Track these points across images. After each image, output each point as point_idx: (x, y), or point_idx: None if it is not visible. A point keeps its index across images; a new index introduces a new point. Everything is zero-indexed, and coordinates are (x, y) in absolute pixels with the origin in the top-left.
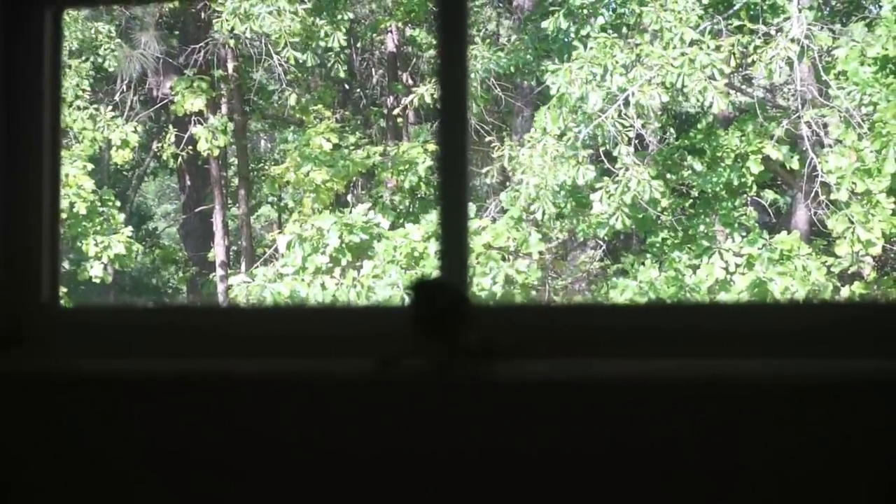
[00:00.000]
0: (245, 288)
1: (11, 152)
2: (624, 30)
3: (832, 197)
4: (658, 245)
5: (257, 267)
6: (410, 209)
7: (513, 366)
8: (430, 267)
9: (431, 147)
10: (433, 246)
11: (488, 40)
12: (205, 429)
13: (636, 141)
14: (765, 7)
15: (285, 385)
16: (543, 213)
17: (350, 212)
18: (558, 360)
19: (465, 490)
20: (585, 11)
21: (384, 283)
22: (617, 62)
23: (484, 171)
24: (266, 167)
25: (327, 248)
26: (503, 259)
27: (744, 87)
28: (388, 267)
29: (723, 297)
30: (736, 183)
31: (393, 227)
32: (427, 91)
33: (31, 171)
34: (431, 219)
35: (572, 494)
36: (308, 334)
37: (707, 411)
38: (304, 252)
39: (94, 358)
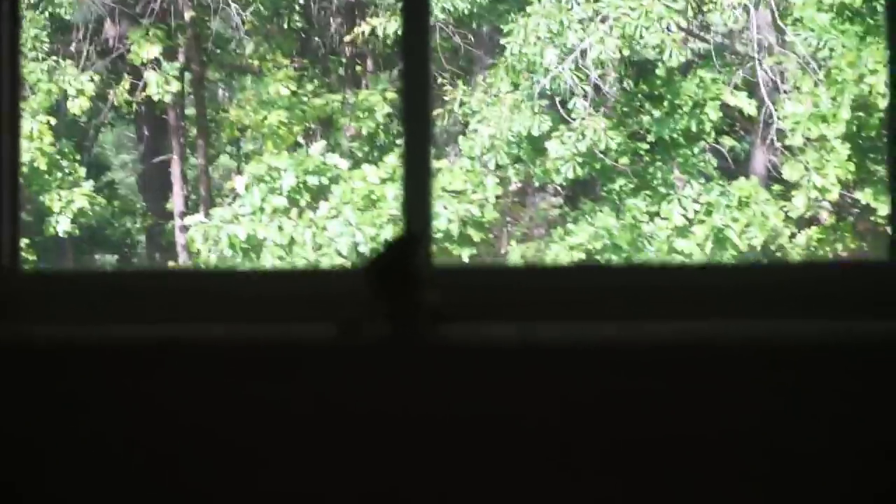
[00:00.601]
0: (202, 229)
1: None
2: None
3: (788, 143)
4: (616, 192)
5: (214, 208)
6: (369, 156)
7: (469, 329)
8: (388, 210)
9: (391, 95)
10: (391, 190)
11: None
12: (168, 393)
13: (593, 92)
14: None
15: (241, 350)
16: (497, 165)
17: (307, 152)
18: (515, 323)
19: (423, 454)
20: None
21: (340, 222)
22: (573, 17)
23: (440, 116)
24: (224, 115)
25: (283, 188)
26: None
27: (701, 33)
28: (345, 208)
29: (681, 244)
30: (694, 129)
31: (351, 170)
32: (380, 25)
33: None
34: (391, 162)
35: (525, 458)
36: (267, 297)
37: (659, 375)
38: (262, 193)
39: (55, 323)
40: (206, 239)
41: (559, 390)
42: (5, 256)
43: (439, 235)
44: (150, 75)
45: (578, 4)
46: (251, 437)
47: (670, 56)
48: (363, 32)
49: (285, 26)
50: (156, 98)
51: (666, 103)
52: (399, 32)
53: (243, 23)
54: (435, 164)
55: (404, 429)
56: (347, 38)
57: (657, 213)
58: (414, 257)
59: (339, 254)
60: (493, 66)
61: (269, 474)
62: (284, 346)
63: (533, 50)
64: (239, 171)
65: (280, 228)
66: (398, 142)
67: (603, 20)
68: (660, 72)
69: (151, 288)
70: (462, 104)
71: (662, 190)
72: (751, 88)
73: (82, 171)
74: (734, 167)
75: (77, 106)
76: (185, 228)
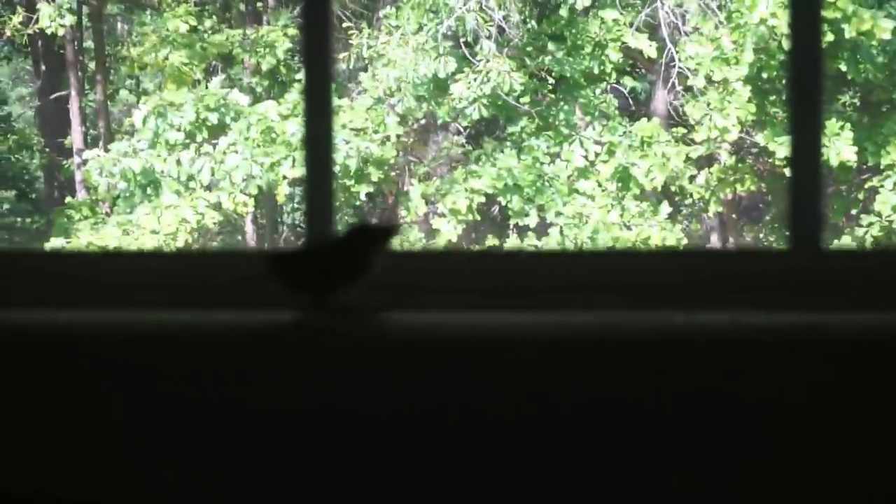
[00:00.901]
0: (98, 163)
1: None
2: None
3: (690, 84)
4: (518, 133)
5: (113, 143)
6: (271, 91)
7: (391, 318)
8: (287, 146)
9: (292, 31)
10: (291, 126)
11: None
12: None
13: (497, 32)
14: None
15: (142, 340)
16: (402, 104)
17: (206, 87)
18: (439, 312)
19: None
20: None
21: (238, 157)
22: None
23: (344, 59)
24: (123, 52)
25: (183, 121)
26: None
27: None
28: (245, 143)
29: (584, 185)
30: (596, 70)
31: (251, 106)
32: None
33: None
34: (292, 99)
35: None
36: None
37: (592, 367)
38: (159, 127)
39: None
40: (102, 172)
41: (495, 381)
42: None
43: (338, 170)
44: (44, 7)
45: None
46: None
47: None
48: None
49: None
50: (49, 31)
51: (568, 43)
52: None
53: None
54: (336, 101)
55: (327, 420)
56: None
57: (559, 155)
58: (372, 248)
59: (238, 188)
60: (397, 5)
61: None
62: (204, 333)
63: None
64: (138, 105)
65: (178, 163)
66: (299, 77)
67: None
68: (563, 12)
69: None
70: (369, 47)
71: (565, 131)
72: (652, 30)
73: None
74: (635, 108)
75: None
76: (83, 164)
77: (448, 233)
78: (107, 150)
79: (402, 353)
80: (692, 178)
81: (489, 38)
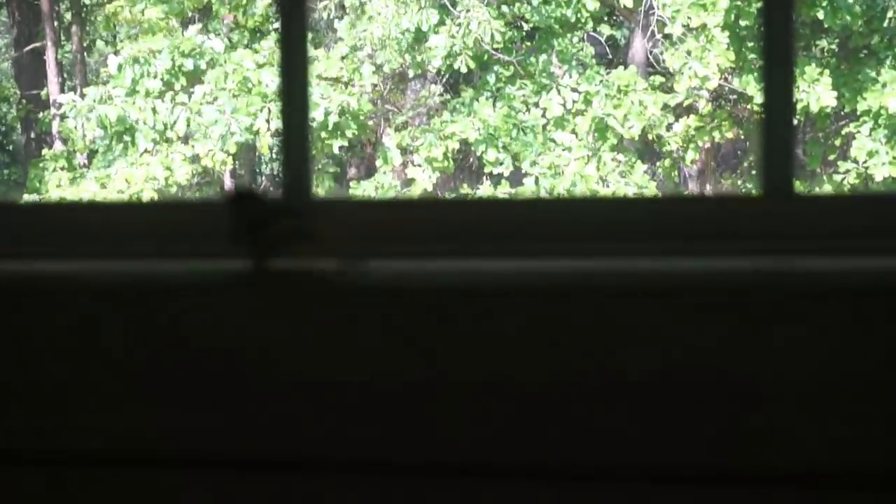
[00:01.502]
0: (73, 108)
1: None
2: None
3: (667, 31)
4: (494, 82)
5: (87, 88)
6: (249, 44)
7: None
8: (263, 97)
9: None
10: (266, 75)
11: None
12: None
13: None
14: None
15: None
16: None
17: (182, 34)
18: (396, 260)
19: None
20: None
21: (214, 108)
22: None
23: (322, 5)
24: (99, 3)
25: (158, 70)
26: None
27: None
28: (220, 93)
29: (560, 135)
30: (572, 19)
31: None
32: None
33: None
34: (267, 46)
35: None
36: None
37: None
38: (135, 74)
39: None
40: (78, 119)
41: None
42: None
43: (315, 125)
44: None
45: None
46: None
47: None
48: None
49: None
50: None
51: None
52: None
53: None
54: (312, 51)
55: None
56: None
57: (536, 104)
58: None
59: (217, 145)
60: None
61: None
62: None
63: None
64: (114, 54)
65: (154, 111)
66: (275, 26)
67: None
68: None
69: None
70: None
71: (542, 80)
72: None
73: None
74: (613, 56)
75: None
76: (59, 112)
77: (424, 182)
78: (82, 97)
79: (371, 301)
80: (669, 127)
81: None
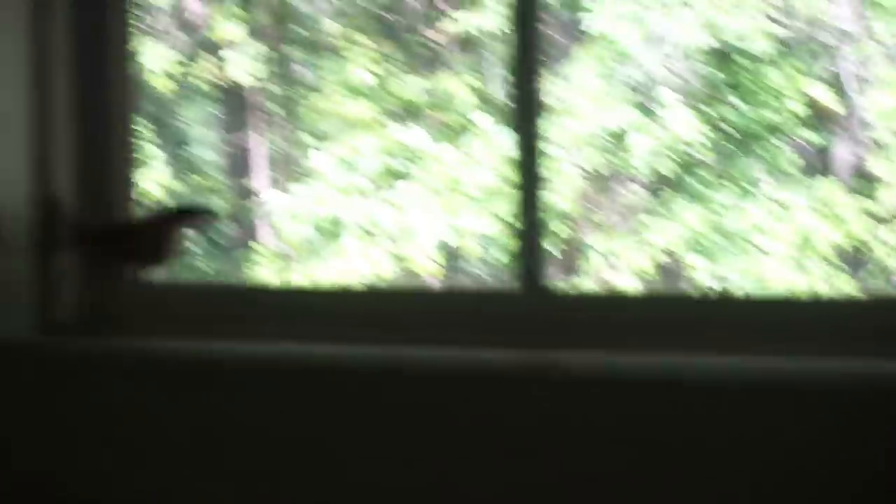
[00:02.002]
0: (282, 207)
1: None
2: None
3: (873, 136)
4: (696, 184)
5: (293, 184)
6: (453, 143)
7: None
8: (469, 193)
9: (473, 81)
10: (471, 173)
11: None
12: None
13: (678, 81)
14: None
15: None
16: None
17: (389, 134)
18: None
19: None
20: None
21: (419, 205)
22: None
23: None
24: (305, 95)
25: (365, 167)
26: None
27: (785, 20)
28: (426, 191)
29: (762, 241)
30: (776, 122)
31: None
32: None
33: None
34: (473, 144)
35: None
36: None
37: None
38: (342, 172)
39: (174, 338)
40: (284, 215)
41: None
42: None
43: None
44: (232, 55)
45: None
46: None
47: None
48: (450, 26)
49: (370, 9)
50: (237, 79)
51: (748, 94)
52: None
53: (329, 3)
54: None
55: None
56: (434, 32)
57: (738, 209)
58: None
59: (423, 246)
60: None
61: None
62: None
63: (616, 35)
64: (320, 151)
65: (359, 209)
66: (478, 127)
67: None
68: (743, 61)
69: (266, 303)
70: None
71: (745, 186)
72: (835, 79)
73: (157, 151)
74: (816, 162)
75: (161, 84)
76: (265, 206)
77: (625, 284)
78: (288, 193)
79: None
80: (876, 235)
81: (670, 87)
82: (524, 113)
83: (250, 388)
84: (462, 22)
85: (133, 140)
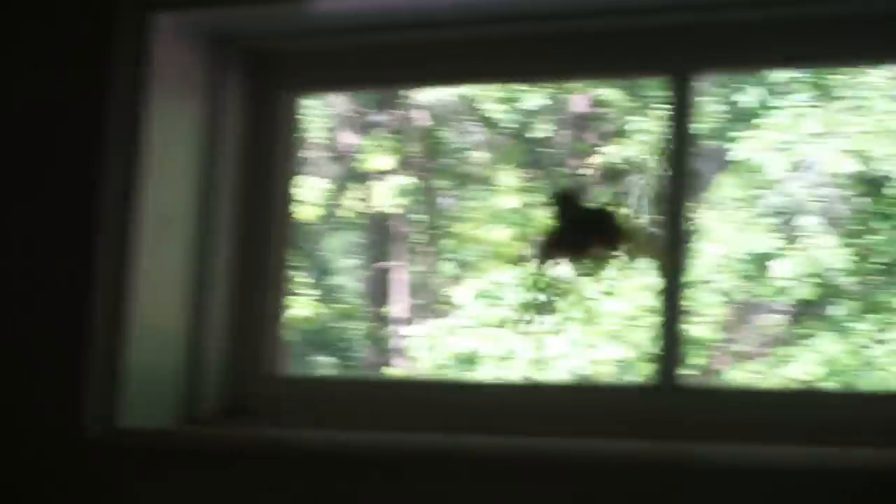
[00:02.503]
0: (422, 338)
1: (251, 229)
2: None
3: None
4: (840, 315)
5: (434, 318)
6: (592, 271)
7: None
8: (610, 325)
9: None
10: (613, 304)
11: None
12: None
13: (824, 208)
14: None
15: None
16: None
17: (530, 266)
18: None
19: None
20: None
21: (563, 339)
22: (807, 131)
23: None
24: (449, 225)
25: (506, 301)
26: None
27: None
28: (568, 324)
29: None
30: None
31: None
32: (616, 151)
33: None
34: (611, 275)
35: None
36: None
37: None
38: (483, 305)
39: (314, 428)
40: (426, 347)
41: None
42: (268, 361)
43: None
44: (380, 186)
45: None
46: None
47: None
48: (594, 164)
49: (517, 137)
50: (383, 210)
51: None
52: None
53: (479, 133)
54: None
55: None
56: (585, 165)
57: (882, 341)
58: None
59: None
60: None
61: None
62: None
63: (762, 162)
64: (461, 281)
65: (498, 341)
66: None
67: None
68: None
69: (396, 395)
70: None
71: (892, 317)
72: None
73: (306, 279)
74: None
75: (307, 213)
76: (404, 335)
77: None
78: (428, 327)
79: None
80: None
81: (815, 214)
82: (672, 241)
83: (384, 477)
84: (609, 154)
85: (287, 279)
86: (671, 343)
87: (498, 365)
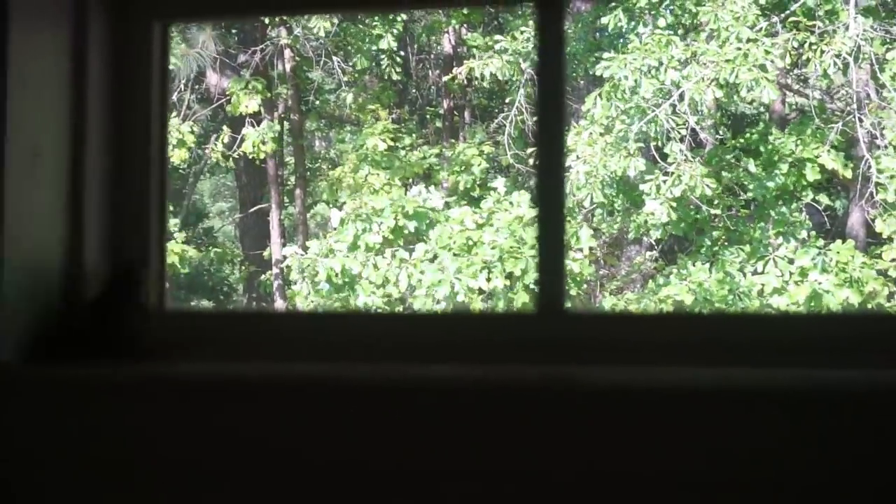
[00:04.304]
0: (297, 262)
1: (123, 166)
2: (681, 30)
3: (884, 198)
4: (710, 246)
5: (310, 241)
6: (469, 204)
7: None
8: (483, 255)
9: (487, 148)
10: (487, 235)
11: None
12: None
13: (689, 138)
14: (821, 13)
15: None
16: (592, 202)
17: (405, 194)
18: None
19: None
20: (645, 13)
21: (434, 266)
22: (672, 57)
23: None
24: (322, 167)
25: (381, 226)
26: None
27: (800, 87)
28: (441, 252)
29: (778, 302)
30: (791, 188)
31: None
32: (477, 67)
33: (141, 185)
34: (487, 207)
35: None
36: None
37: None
38: (357, 230)
39: (194, 361)
40: (301, 271)
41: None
42: (153, 296)
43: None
44: (249, 131)
45: (678, 48)
46: None
47: (768, 107)
48: (459, 75)
49: (384, 79)
50: (251, 154)
51: (763, 158)
52: (495, 73)
53: (343, 73)
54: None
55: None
56: (445, 78)
57: (753, 271)
58: (136, 290)
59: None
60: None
61: None
62: None
63: (630, 82)
64: (338, 208)
65: (375, 267)
66: (492, 191)
67: (701, 64)
68: (758, 127)
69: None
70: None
71: (759, 249)
72: (849, 143)
73: (174, 223)
74: (830, 225)
75: (177, 156)
76: (280, 274)
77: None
78: (305, 250)
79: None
80: (891, 296)
81: (681, 141)
82: (547, 167)
83: (264, 406)
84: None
85: (163, 214)
86: (552, 269)
87: (374, 292)
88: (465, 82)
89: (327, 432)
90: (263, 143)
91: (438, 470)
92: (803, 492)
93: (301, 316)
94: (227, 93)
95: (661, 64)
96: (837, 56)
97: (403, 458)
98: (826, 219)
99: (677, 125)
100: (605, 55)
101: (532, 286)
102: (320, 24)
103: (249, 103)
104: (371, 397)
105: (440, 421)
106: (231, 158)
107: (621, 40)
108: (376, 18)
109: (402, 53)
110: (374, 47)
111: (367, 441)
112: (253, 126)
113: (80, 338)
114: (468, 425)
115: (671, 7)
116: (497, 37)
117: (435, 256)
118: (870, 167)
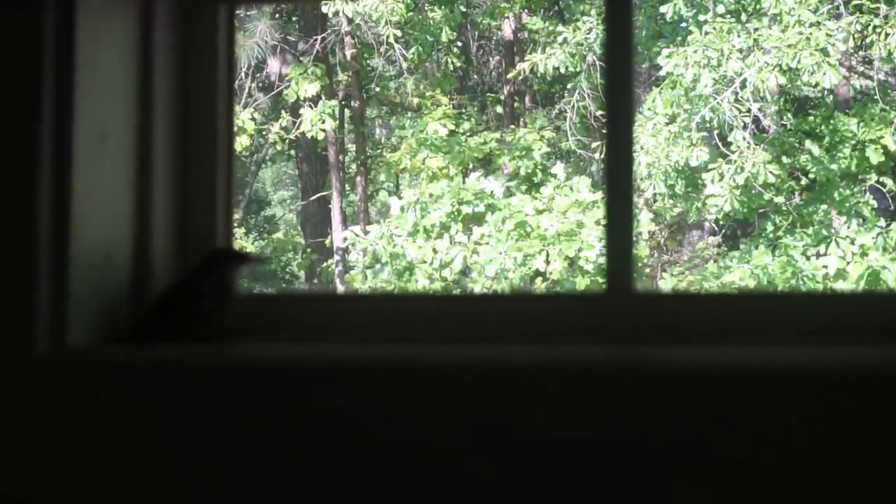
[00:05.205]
0: (359, 245)
1: (190, 148)
2: (742, 16)
3: None
4: (772, 230)
5: (371, 226)
6: (528, 192)
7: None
8: (542, 240)
9: (548, 133)
10: (545, 220)
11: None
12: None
13: (752, 125)
14: None
15: None
16: (654, 193)
17: (463, 182)
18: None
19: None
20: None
21: (491, 248)
22: (734, 46)
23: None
24: (382, 154)
25: (440, 213)
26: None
27: (864, 69)
28: (499, 235)
29: (840, 285)
30: (854, 170)
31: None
32: (540, 61)
33: (208, 167)
34: (546, 193)
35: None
36: None
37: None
38: (417, 216)
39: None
40: (364, 254)
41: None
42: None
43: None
44: (306, 112)
45: (739, 36)
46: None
47: (832, 91)
48: (522, 70)
49: (445, 65)
50: (310, 135)
51: (826, 141)
52: (557, 67)
53: (405, 59)
54: (592, 195)
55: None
56: (510, 75)
57: (816, 254)
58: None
59: (490, 282)
60: (649, 93)
61: None
62: None
63: (691, 76)
64: (398, 197)
65: (434, 251)
66: (553, 177)
67: (763, 50)
68: (821, 109)
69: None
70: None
71: (823, 232)
72: None
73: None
74: (894, 207)
75: (237, 143)
76: (342, 259)
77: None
78: (366, 234)
79: None
80: None
81: (744, 128)
82: (616, 150)
83: (341, 389)
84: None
85: (231, 195)
86: (622, 251)
87: (431, 274)
88: (526, 73)
89: (403, 412)
90: (322, 121)
91: (509, 450)
92: (881, 474)
93: (370, 298)
94: (287, 78)
95: (722, 54)
96: None
97: (472, 437)
98: (891, 201)
99: (740, 113)
100: (665, 50)
101: (588, 269)
102: (383, 11)
103: (308, 88)
104: (444, 379)
105: (513, 403)
106: (291, 144)
107: (683, 25)
108: (438, 8)
109: (462, 40)
110: (432, 38)
111: (439, 421)
112: (311, 108)
113: (155, 320)
114: (540, 406)
115: None
116: (560, 28)
117: (493, 239)
118: None
